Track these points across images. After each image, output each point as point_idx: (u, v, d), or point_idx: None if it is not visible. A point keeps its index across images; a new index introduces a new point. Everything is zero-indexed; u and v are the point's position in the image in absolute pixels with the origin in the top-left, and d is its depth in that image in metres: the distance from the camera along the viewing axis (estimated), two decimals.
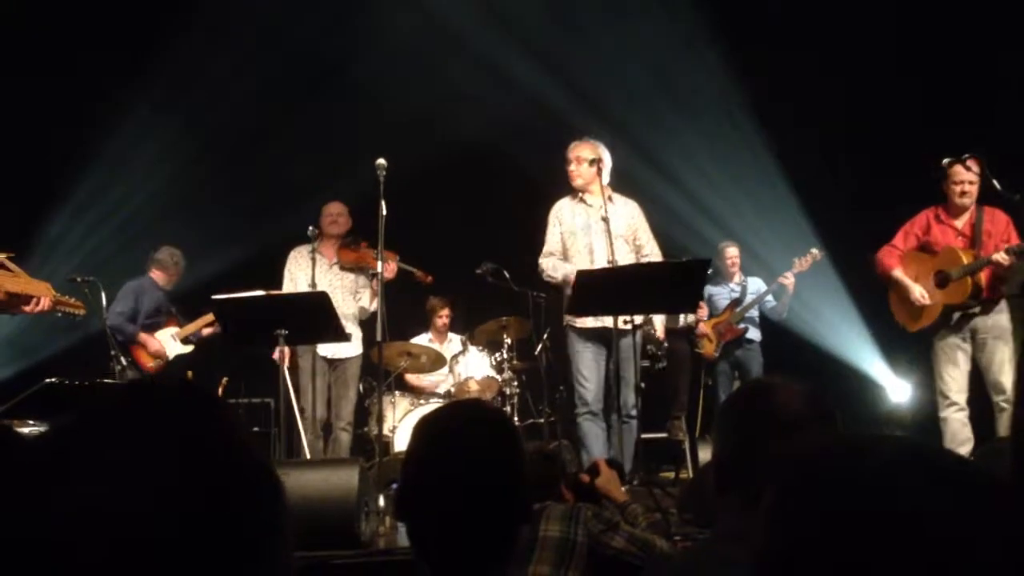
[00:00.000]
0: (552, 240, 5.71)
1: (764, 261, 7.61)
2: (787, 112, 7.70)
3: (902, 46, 7.39)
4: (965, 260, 5.42)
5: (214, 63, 7.78)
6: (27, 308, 4.71)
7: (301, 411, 6.27)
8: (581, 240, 5.58)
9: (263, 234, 7.32)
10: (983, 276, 5.41)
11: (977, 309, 5.48)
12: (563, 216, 5.70)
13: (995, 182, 5.32)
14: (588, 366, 5.52)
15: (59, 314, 4.82)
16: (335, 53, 7.99)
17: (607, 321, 5.28)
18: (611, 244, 5.25)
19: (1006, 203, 5.39)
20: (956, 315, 5.51)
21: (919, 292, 5.58)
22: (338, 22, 7.92)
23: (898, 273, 5.71)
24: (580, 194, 5.68)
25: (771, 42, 7.70)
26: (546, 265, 5.68)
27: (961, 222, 5.59)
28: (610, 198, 5.64)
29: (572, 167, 5.62)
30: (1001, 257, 5.25)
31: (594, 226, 5.54)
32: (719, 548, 1.62)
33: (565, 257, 5.65)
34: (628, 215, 5.67)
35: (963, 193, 5.52)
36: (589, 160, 5.57)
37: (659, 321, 6.05)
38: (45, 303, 4.72)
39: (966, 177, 5.50)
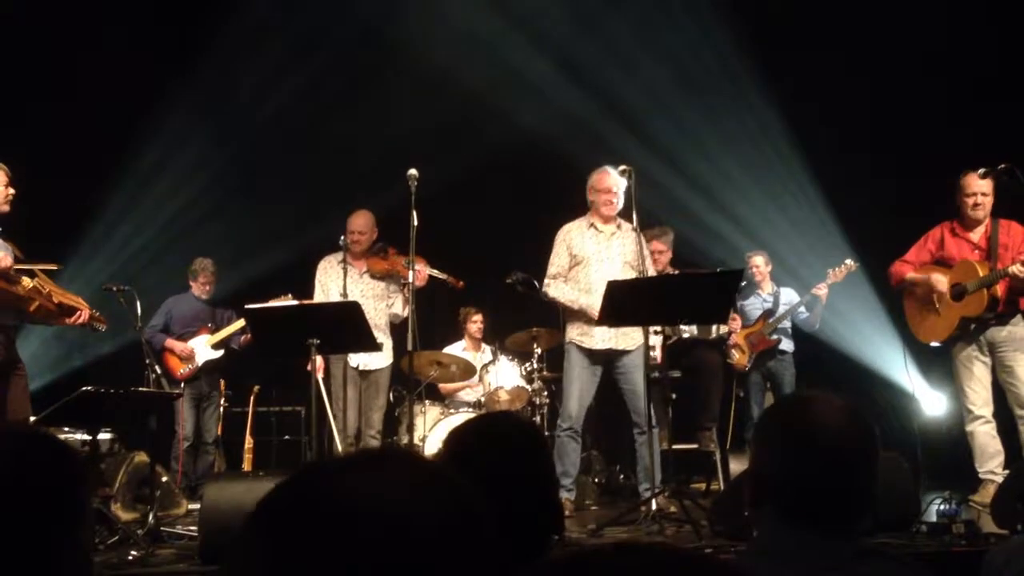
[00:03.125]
0: (559, 262, 5.73)
1: (797, 272, 7.55)
2: (820, 120, 7.65)
3: (933, 50, 7.32)
4: (981, 272, 5.38)
5: (246, 73, 7.86)
6: (69, 320, 5.02)
7: (334, 417, 6.31)
8: (590, 268, 5.62)
9: (297, 241, 7.38)
10: (1000, 288, 5.36)
11: (993, 321, 5.44)
12: (572, 241, 5.72)
13: None
14: (582, 385, 5.61)
15: (88, 327, 5.11)
16: (366, 62, 8.04)
17: (616, 343, 5.51)
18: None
19: None
20: (973, 326, 5.46)
21: (936, 277, 5.53)
22: (369, 33, 7.97)
23: (911, 274, 5.68)
24: (591, 221, 5.72)
25: (802, 48, 7.65)
26: (556, 293, 5.70)
27: (977, 235, 5.55)
28: (619, 225, 5.69)
29: (606, 197, 5.62)
30: (1017, 269, 5.20)
31: (604, 254, 5.62)
32: (754, 563, 1.61)
33: (566, 281, 5.70)
34: (633, 241, 5.70)
35: (976, 206, 5.48)
36: (622, 191, 5.62)
37: (658, 344, 6.07)
38: (84, 315, 5.04)
39: (978, 189, 5.46)
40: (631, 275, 5.53)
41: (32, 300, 4.85)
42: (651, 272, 5.77)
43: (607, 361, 5.63)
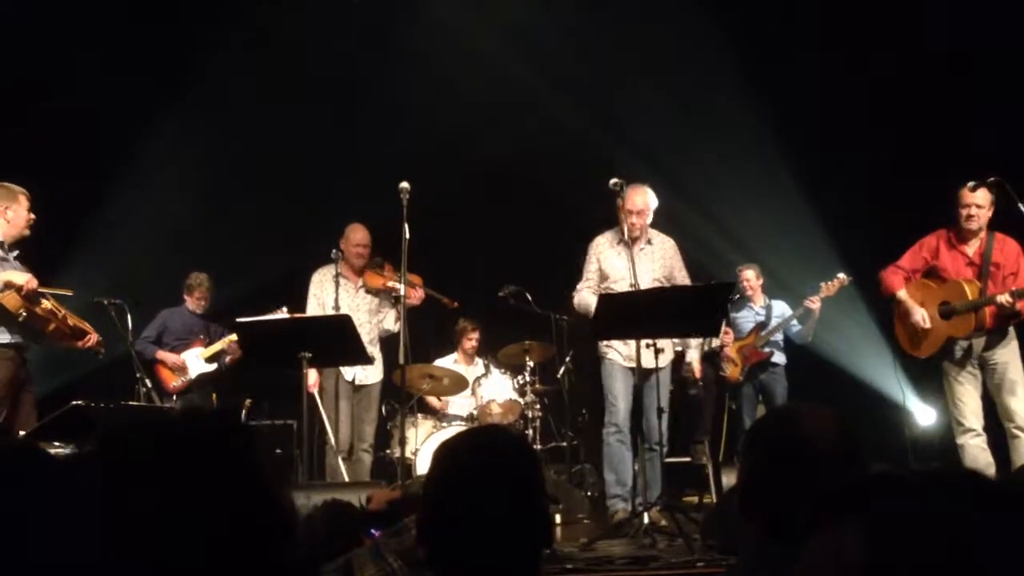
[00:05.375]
0: (590, 275, 5.72)
1: (790, 285, 7.56)
2: (813, 133, 7.68)
3: (926, 63, 7.35)
4: (970, 295, 5.39)
5: (241, 86, 7.86)
6: (79, 343, 5.24)
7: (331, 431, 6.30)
8: (617, 283, 5.57)
9: (290, 255, 7.36)
10: (988, 312, 5.38)
11: (983, 339, 5.46)
12: (603, 254, 5.70)
13: (1021, 206, 5.26)
14: (620, 387, 5.53)
15: (91, 351, 5.33)
16: (362, 77, 8.06)
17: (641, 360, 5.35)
18: (634, 272, 5.26)
19: None
20: (962, 343, 5.48)
21: (920, 315, 5.56)
22: (365, 47, 8.00)
23: (902, 294, 5.69)
24: (620, 237, 5.63)
25: (795, 61, 7.69)
26: (577, 299, 5.72)
27: (972, 249, 5.55)
28: (649, 240, 5.66)
29: (635, 219, 5.54)
30: (1004, 299, 5.23)
31: (632, 270, 5.47)
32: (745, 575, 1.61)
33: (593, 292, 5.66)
34: (665, 255, 5.68)
35: (969, 217, 5.47)
36: (651, 210, 5.59)
37: (695, 360, 6.05)
38: (93, 339, 5.27)
39: (973, 201, 5.45)
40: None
41: (49, 321, 5.07)
42: (685, 282, 5.72)
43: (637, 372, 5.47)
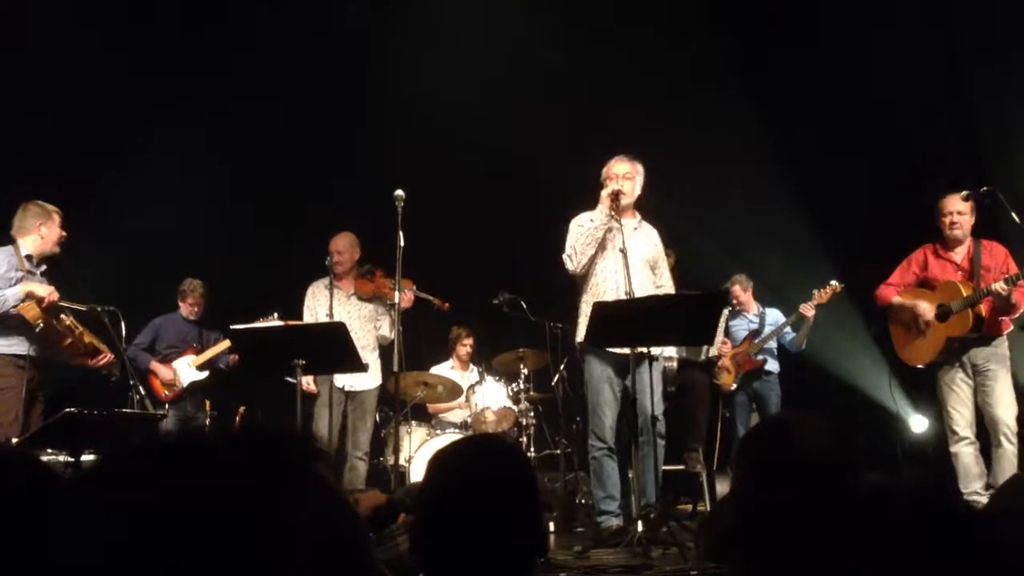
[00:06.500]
0: (573, 241, 5.40)
1: (783, 292, 7.57)
2: (807, 140, 7.70)
3: (920, 72, 7.39)
4: (965, 293, 5.42)
5: (238, 90, 7.87)
6: (91, 361, 5.43)
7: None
8: (607, 262, 5.33)
9: (285, 261, 7.36)
10: (984, 308, 5.40)
11: (977, 347, 5.48)
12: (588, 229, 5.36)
13: (1014, 215, 5.30)
14: (607, 401, 5.26)
15: (103, 369, 5.52)
16: (358, 81, 8.07)
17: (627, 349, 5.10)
18: (628, 276, 5.10)
19: None
20: (957, 346, 5.50)
21: (923, 306, 5.57)
22: (362, 51, 8.01)
23: (898, 299, 5.71)
24: (612, 215, 5.31)
25: (791, 67, 7.71)
26: (569, 251, 5.35)
27: (959, 256, 5.60)
28: (640, 221, 5.50)
29: (623, 182, 5.29)
30: (1000, 287, 5.26)
31: (617, 252, 5.23)
32: None
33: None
34: (653, 241, 5.57)
35: (952, 224, 5.53)
36: (637, 179, 5.38)
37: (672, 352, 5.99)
38: (107, 358, 5.46)
39: (954, 208, 5.52)
40: (646, 275, 5.34)
41: (66, 336, 5.25)
42: (667, 278, 5.56)
43: (624, 367, 5.23)
